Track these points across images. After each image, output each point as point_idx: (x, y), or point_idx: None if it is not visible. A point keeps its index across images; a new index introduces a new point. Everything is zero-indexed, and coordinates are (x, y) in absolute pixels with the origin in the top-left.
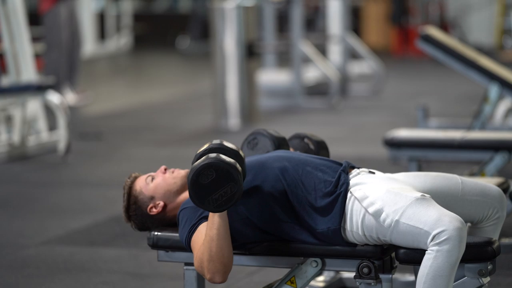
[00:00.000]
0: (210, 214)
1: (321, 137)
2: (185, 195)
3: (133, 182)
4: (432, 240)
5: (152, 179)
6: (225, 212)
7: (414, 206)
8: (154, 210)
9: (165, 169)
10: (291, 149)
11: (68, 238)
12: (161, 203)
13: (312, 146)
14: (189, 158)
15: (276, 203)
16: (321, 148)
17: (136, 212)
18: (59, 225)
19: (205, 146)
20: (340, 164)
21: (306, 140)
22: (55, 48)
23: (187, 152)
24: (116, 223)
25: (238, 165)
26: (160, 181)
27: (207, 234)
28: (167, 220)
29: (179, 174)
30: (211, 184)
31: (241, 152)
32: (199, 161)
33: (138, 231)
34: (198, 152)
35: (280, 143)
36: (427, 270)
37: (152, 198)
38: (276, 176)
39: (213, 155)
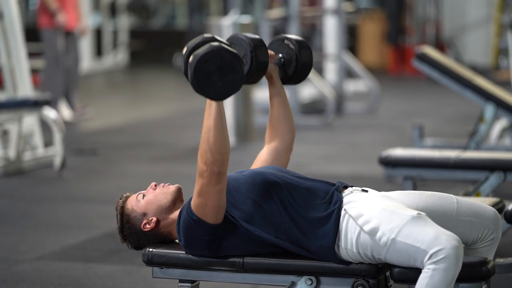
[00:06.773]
0: (208, 103)
1: (301, 37)
2: (177, 211)
3: (124, 202)
4: (429, 258)
5: (143, 196)
6: (222, 102)
7: (411, 225)
8: (147, 226)
9: (155, 185)
10: (272, 53)
11: (63, 254)
12: (154, 219)
13: (292, 46)
14: (184, 174)
15: (269, 218)
16: (302, 47)
17: (130, 230)
18: (54, 241)
19: (197, 39)
20: (333, 184)
21: (286, 41)
22: (53, 63)
23: (182, 168)
24: (111, 239)
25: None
26: (151, 198)
27: (205, 125)
28: (161, 237)
29: (169, 189)
30: (215, 72)
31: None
32: (203, 48)
33: (134, 250)
34: (190, 43)
35: (256, 44)
36: None
37: (144, 214)
38: (269, 192)
39: (215, 43)
